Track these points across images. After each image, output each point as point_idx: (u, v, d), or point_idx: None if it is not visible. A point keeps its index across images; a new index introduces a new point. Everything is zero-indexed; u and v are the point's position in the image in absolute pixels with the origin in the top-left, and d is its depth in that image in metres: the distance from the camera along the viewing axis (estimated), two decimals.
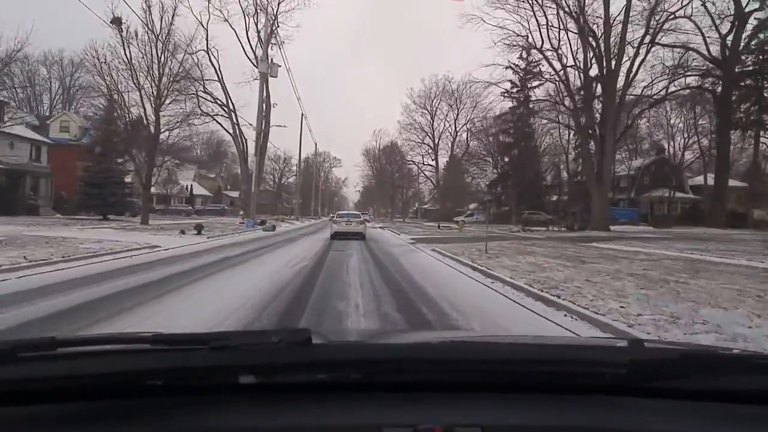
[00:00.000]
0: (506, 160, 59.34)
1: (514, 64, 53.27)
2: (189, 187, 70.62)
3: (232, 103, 43.97)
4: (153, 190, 64.16)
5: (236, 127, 43.73)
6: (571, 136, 55.64)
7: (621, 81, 35.97)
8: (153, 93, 28.41)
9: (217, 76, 43.12)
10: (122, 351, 1.28)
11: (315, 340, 1.21)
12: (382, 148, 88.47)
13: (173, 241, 19.09)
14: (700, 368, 1.31)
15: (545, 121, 52.99)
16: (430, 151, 75.42)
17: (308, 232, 31.95)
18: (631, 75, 36.29)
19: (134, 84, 28.21)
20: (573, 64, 38.47)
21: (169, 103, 29.56)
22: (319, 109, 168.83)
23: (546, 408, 1.19)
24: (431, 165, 76.35)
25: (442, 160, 75.59)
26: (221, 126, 45.32)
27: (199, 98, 41.44)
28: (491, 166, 63.39)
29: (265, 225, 32.67)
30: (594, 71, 37.36)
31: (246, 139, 44.36)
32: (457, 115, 73.64)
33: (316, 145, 79.19)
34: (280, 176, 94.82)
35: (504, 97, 57.47)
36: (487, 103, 62.26)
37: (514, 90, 57.21)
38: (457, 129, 74.41)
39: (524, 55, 50.53)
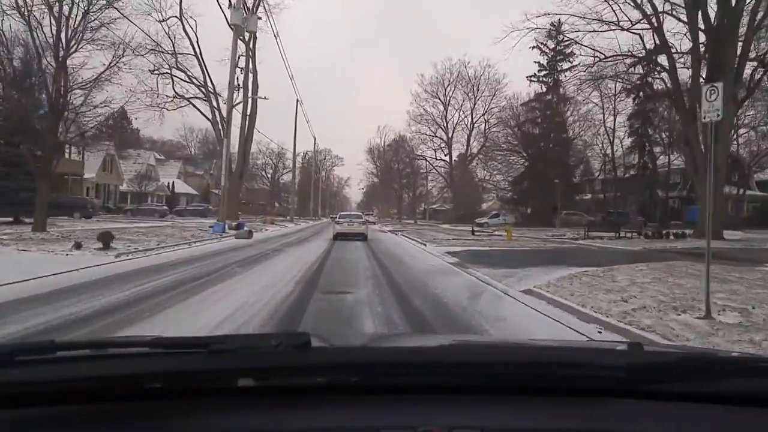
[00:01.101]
0: (529, 153, 51.39)
1: (541, 43, 47.14)
2: (170, 185, 62.13)
3: (212, 84, 35.82)
4: (124, 187, 56.98)
5: (216, 113, 35.07)
6: (621, 121, 46.87)
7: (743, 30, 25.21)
8: (53, 32, 18.32)
9: (194, 50, 35.37)
10: (121, 354, 1.26)
11: (314, 343, 1.21)
12: (389, 143, 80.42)
13: (22, 269, 10.18)
14: (699, 371, 1.30)
15: (590, 103, 44.07)
16: (442, 145, 67.34)
17: (296, 241, 23.13)
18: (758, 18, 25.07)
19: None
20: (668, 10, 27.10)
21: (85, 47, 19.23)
22: (320, 107, 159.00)
23: (545, 411, 1.18)
24: (443, 160, 68.07)
25: (457, 156, 67.78)
26: (199, 112, 36.81)
27: (173, 78, 34.72)
28: (514, 159, 55.11)
29: (240, 231, 23.87)
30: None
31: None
32: (474, 104, 65.47)
33: (315, 139, 69.96)
34: (273, 172, 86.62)
35: (531, 81, 51.99)
36: (509, 92, 56.43)
37: (542, 74, 51.35)
38: (474, 120, 65.88)
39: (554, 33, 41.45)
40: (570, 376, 1.25)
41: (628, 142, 46.96)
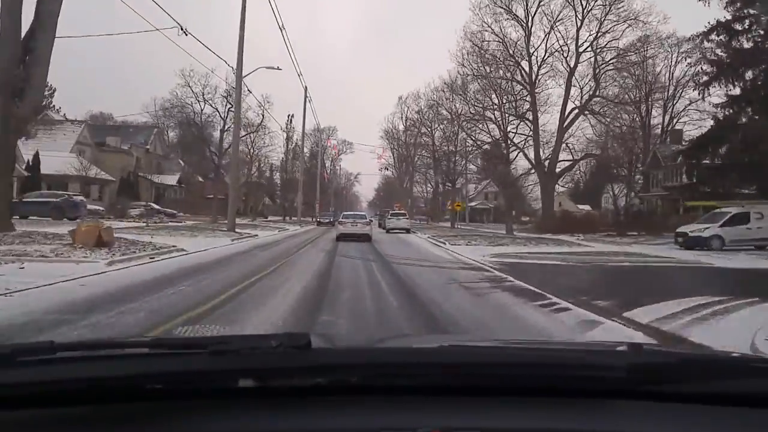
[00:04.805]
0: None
1: None
2: (29, 161, 43.93)
3: None
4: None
5: None
6: None
7: None
8: None
9: None
10: (122, 355, 1.28)
11: (315, 344, 1.22)
12: (417, 111, 60.91)
13: None
14: (698, 372, 1.31)
15: None
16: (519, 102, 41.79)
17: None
18: None
19: None
20: None
21: None
22: (327, 100, 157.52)
23: (545, 412, 1.19)
24: (526, 122, 41.14)
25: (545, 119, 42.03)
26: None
27: None
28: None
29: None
30: None
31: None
32: (580, 25, 39.30)
33: (318, 125, 65.46)
34: (260, 167, 70.65)
35: None
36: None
37: None
38: (579, 48, 39.74)
39: None
40: (570, 377, 1.26)
41: None
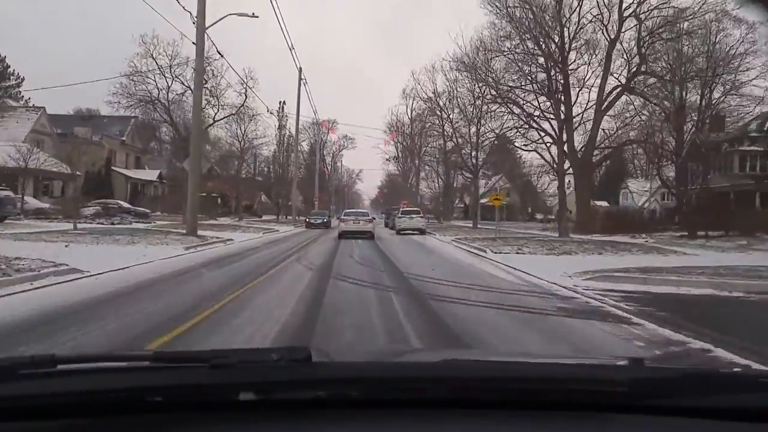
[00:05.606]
0: None
1: None
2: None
3: None
4: None
5: None
6: None
7: None
8: None
9: None
10: (122, 368, 1.26)
11: (315, 358, 1.21)
12: (425, 99, 50.31)
13: None
14: (701, 386, 1.29)
15: None
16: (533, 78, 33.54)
17: None
18: None
19: None
20: None
21: None
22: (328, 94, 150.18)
23: (547, 425, 1.18)
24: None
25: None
26: None
27: None
28: None
29: None
30: None
31: None
32: None
33: (315, 112, 58.61)
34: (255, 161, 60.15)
35: None
36: None
37: None
38: (623, 13, 31.98)
39: None
40: (573, 391, 1.25)
41: None
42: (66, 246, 13.81)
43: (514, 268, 12.44)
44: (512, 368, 1.44)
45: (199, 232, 19.70)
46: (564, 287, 9.65)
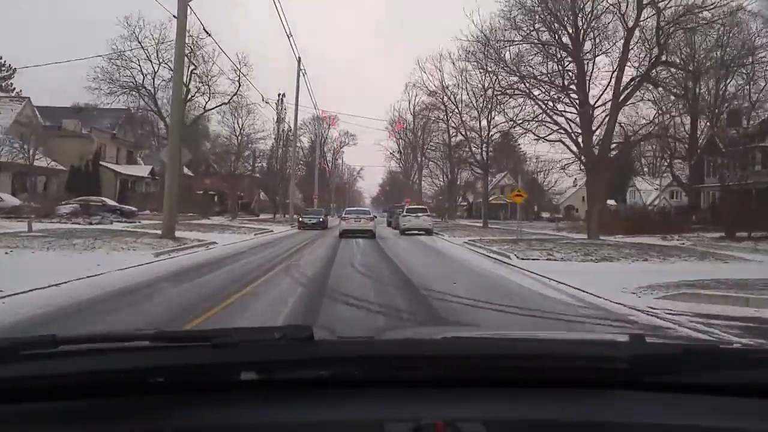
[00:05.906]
0: None
1: None
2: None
3: None
4: None
5: None
6: None
7: None
8: None
9: None
10: (124, 348, 1.25)
11: (317, 336, 1.20)
12: (430, 93, 46.42)
13: None
14: (701, 363, 1.29)
15: None
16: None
17: None
18: None
19: None
20: None
21: None
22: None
23: (547, 403, 1.17)
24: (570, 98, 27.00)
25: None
26: None
27: None
28: None
29: None
30: None
31: None
32: None
33: (315, 106, 56.07)
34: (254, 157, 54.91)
35: None
36: None
37: None
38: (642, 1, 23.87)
39: None
40: (573, 368, 1.24)
41: None
42: (6, 254, 11.39)
43: (557, 281, 9.98)
44: (513, 346, 1.41)
45: (180, 234, 17.28)
46: (638, 310, 7.25)
